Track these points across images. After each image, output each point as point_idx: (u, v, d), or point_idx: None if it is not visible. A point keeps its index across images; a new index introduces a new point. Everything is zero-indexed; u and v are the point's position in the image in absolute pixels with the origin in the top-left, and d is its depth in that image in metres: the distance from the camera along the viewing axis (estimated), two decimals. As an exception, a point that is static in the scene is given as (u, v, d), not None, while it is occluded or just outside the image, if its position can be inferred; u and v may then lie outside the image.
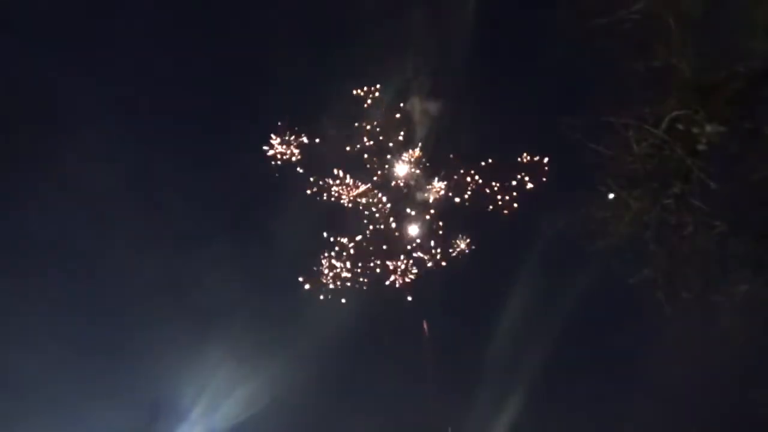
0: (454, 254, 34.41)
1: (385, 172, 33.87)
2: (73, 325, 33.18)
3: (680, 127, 12.86)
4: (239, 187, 35.15)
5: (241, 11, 33.89)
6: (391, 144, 33.78)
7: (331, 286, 33.38)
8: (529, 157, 32.56)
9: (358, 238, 33.74)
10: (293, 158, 33.57)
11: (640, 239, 13.93)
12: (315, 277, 33.42)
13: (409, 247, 34.15)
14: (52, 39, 32.29)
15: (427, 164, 34.10)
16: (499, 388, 32.70)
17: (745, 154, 13.10)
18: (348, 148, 33.55)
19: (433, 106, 33.21)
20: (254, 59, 33.32)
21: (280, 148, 33.50)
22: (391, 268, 33.79)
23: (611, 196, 14.01)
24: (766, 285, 13.40)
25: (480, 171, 33.29)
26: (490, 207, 33.64)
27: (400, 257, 33.97)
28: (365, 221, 34.09)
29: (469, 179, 33.65)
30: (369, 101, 33.06)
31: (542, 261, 31.46)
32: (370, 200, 33.89)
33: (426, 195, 34.18)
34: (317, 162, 33.72)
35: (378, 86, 33.01)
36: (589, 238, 14.38)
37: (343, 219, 34.23)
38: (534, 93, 29.83)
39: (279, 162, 33.51)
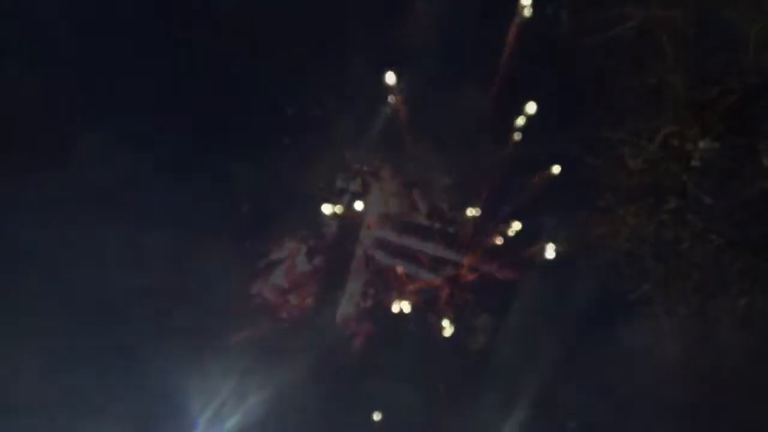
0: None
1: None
2: (76, 338, 33.03)
3: (675, 142, 12.98)
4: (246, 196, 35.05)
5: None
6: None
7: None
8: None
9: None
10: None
11: (638, 254, 13.97)
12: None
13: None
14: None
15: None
16: (498, 401, 32.60)
17: (739, 169, 13.18)
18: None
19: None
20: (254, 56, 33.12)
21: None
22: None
23: (608, 211, 14.08)
24: (764, 298, 13.43)
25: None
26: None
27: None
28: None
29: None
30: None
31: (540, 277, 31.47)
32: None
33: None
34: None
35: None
36: (587, 253, 14.43)
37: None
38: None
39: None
